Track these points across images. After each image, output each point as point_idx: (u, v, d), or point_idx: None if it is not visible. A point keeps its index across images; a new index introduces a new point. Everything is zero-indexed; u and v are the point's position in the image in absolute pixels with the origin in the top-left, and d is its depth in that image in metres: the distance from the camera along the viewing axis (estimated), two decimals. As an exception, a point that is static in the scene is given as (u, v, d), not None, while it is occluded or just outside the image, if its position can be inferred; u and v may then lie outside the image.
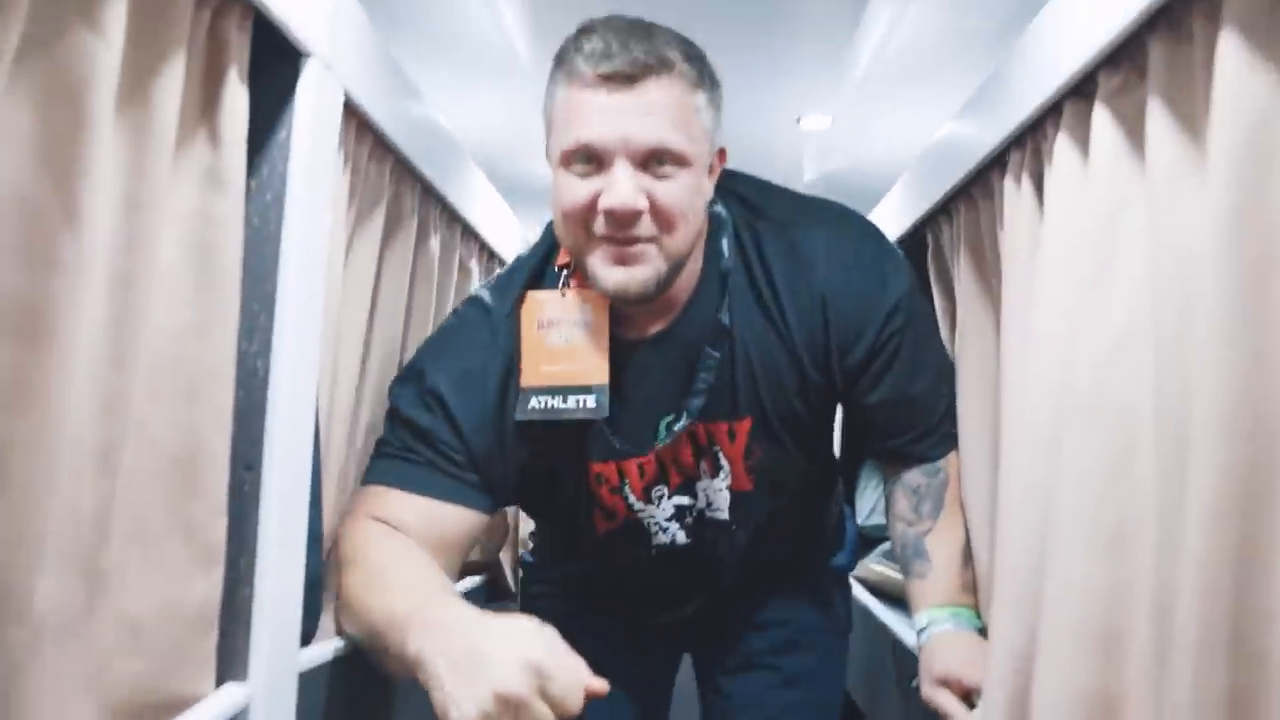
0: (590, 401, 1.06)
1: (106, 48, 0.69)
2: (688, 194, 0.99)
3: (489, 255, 1.72)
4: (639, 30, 0.97)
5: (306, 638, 1.05)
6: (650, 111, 0.95)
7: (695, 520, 1.21)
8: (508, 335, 1.10)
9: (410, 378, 1.12)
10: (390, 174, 1.22)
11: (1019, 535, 0.91)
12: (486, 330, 1.11)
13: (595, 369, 1.07)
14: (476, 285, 1.61)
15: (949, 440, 1.23)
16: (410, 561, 1.01)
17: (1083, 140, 0.95)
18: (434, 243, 1.40)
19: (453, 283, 1.52)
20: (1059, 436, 0.86)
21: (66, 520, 0.71)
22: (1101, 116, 0.89)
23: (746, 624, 1.40)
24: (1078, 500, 0.82)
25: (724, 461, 1.18)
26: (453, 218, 1.49)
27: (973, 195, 1.30)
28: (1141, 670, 0.77)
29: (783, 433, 1.18)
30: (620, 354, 1.10)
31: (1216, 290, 0.68)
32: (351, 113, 1.09)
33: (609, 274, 1.01)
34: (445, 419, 1.08)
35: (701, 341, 1.11)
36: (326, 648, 1.07)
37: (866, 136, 2.12)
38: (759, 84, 1.80)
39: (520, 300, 1.11)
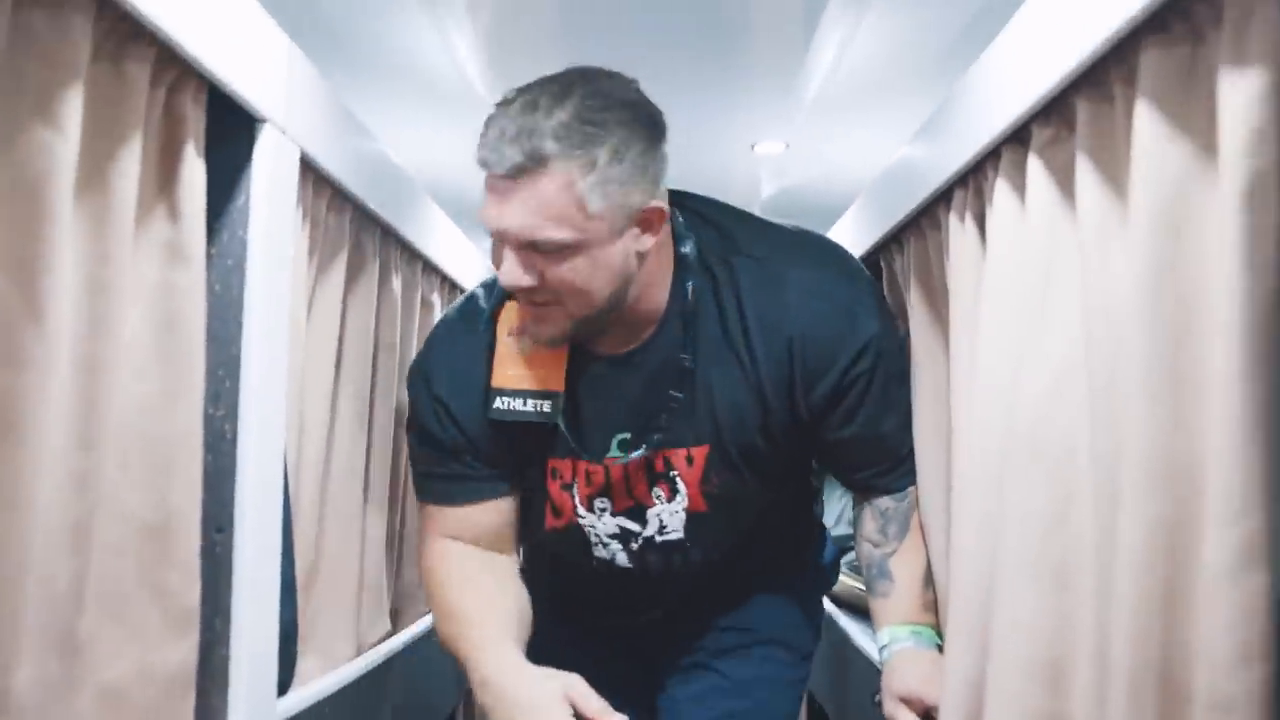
0: (545, 406, 1.18)
1: (64, 141, 0.70)
2: (576, 273, 1.05)
3: (450, 286, 1.74)
4: (533, 117, 1.01)
5: (283, 687, 1.07)
6: (525, 210, 1.01)
7: (642, 546, 1.26)
8: (490, 337, 1.19)
9: (419, 377, 1.22)
10: (350, 223, 1.24)
11: (970, 569, 0.96)
12: (475, 332, 1.20)
13: (552, 378, 1.17)
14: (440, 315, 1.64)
15: (915, 472, 1.26)
16: (471, 601, 1.17)
17: (1020, 186, 0.99)
18: (396, 283, 1.42)
19: (416, 319, 1.54)
20: (1004, 476, 0.90)
21: (42, 598, 0.72)
22: (1035, 166, 0.93)
23: (710, 627, 1.43)
24: (1023, 539, 0.86)
25: (681, 485, 1.23)
26: (413, 256, 1.51)
27: (921, 227, 1.33)
28: (1084, 699, 0.81)
29: (741, 464, 1.22)
30: (583, 364, 1.19)
31: (1140, 349, 0.72)
32: (309, 168, 1.11)
33: (524, 323, 1.13)
34: (453, 424, 1.19)
35: (661, 376, 1.17)
36: (304, 694, 1.09)
37: (820, 160, 2.17)
38: (713, 114, 1.84)
39: (500, 307, 1.20)
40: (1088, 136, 0.85)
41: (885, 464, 1.24)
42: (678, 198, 1.24)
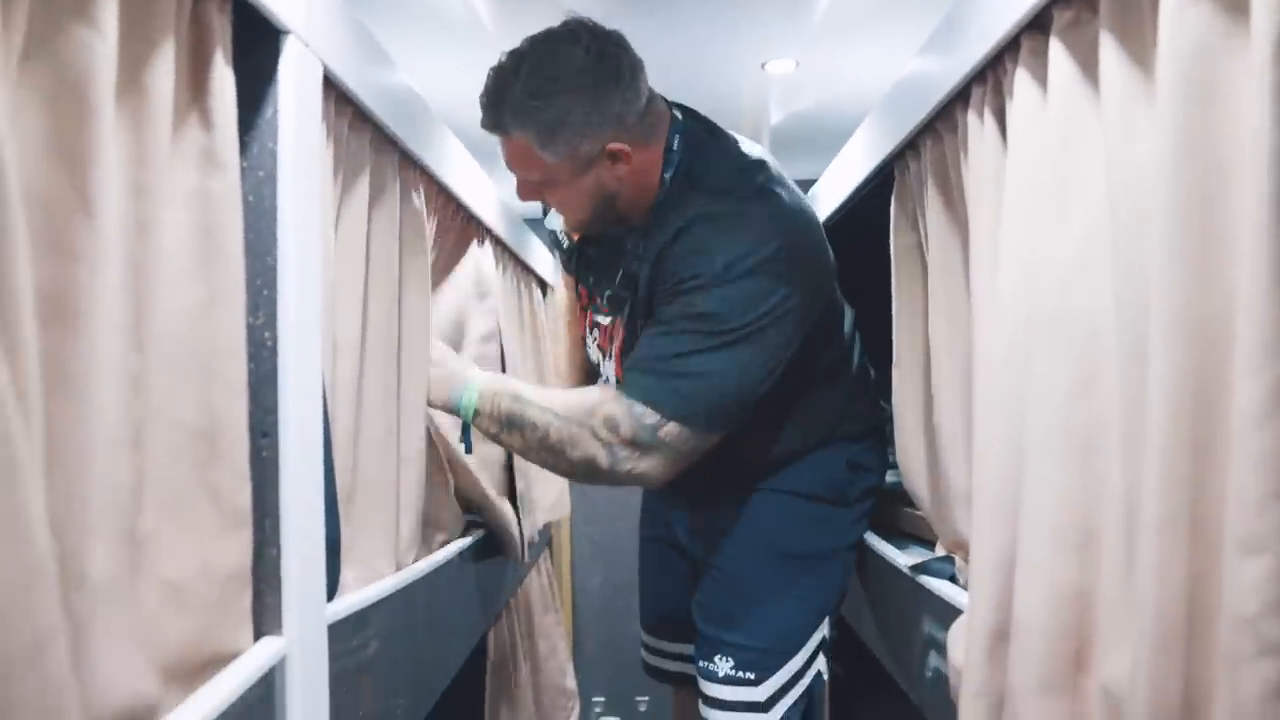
0: (566, 244, 1.62)
1: (102, 41, 0.71)
2: (557, 198, 1.41)
3: (466, 217, 1.74)
4: (496, 92, 1.31)
5: (330, 594, 1.10)
6: (508, 156, 1.37)
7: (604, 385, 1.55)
8: None
9: None
10: (370, 144, 1.25)
11: (996, 448, 0.98)
12: None
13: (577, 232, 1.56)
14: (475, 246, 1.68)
15: (639, 391, 1.34)
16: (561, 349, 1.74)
17: (1040, 73, 0.99)
18: (418, 204, 1.42)
19: (435, 242, 1.54)
20: (1029, 352, 0.92)
21: (107, 493, 0.75)
22: (1057, 50, 0.94)
23: (694, 525, 1.66)
24: (1049, 411, 0.88)
25: (612, 354, 1.52)
26: (430, 181, 1.51)
27: (938, 130, 1.34)
28: (1112, 565, 0.84)
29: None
30: (612, 231, 1.47)
31: (1166, 209, 0.74)
32: (331, 86, 1.12)
33: None
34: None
35: (628, 266, 1.44)
36: (350, 601, 1.13)
37: (832, 78, 2.14)
38: (722, 32, 1.81)
39: None
40: (1111, 14, 0.85)
41: (632, 363, 1.36)
42: (692, 119, 1.44)
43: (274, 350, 0.96)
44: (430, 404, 1.43)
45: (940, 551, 1.42)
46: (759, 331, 1.32)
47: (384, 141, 1.30)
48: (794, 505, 1.55)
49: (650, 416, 1.32)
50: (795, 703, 1.53)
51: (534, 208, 1.74)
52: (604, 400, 1.35)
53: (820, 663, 1.57)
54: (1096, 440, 0.85)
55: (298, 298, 0.98)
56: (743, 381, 1.34)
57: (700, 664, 1.58)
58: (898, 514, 1.73)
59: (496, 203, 2.04)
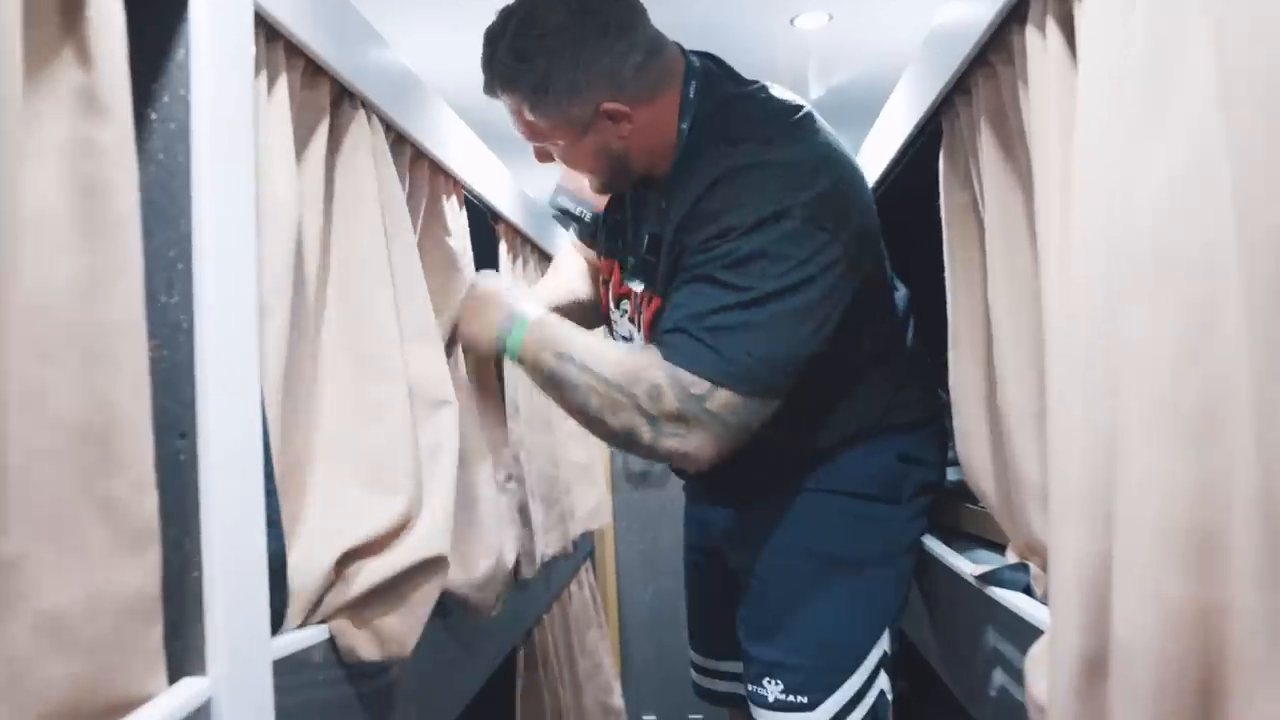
0: (587, 216, 1.49)
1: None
2: (567, 154, 1.32)
3: (453, 182, 1.54)
4: (486, 55, 1.26)
5: (277, 624, 0.94)
6: (513, 120, 1.31)
7: None
8: None
9: None
10: (330, 101, 1.10)
11: (1078, 431, 0.78)
12: None
13: (598, 198, 1.46)
14: (456, 217, 1.51)
15: (680, 355, 1.20)
16: (559, 283, 1.62)
17: (1118, -40, 0.79)
18: (391, 172, 1.25)
19: (420, 214, 1.37)
20: (1120, 306, 0.72)
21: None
22: (1140, -81, 0.74)
23: (732, 530, 1.50)
24: (1149, 379, 0.68)
25: (641, 324, 1.38)
26: (410, 145, 1.35)
27: (991, 64, 1.15)
28: (1247, 574, 0.63)
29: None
30: (639, 190, 1.40)
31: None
32: (277, 34, 0.97)
33: None
34: None
35: (646, 231, 1.34)
36: (305, 635, 0.96)
37: (869, 31, 1.93)
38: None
39: None
40: None
41: (667, 324, 1.23)
42: (711, 62, 1.34)
43: (190, 334, 0.81)
44: (469, 343, 1.37)
45: (1012, 558, 1.21)
46: (800, 284, 1.18)
47: (348, 98, 1.14)
48: (841, 505, 1.38)
49: (697, 385, 1.18)
50: None
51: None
52: (649, 365, 1.21)
53: (883, 681, 1.39)
54: (1217, 410, 0.65)
55: (220, 272, 0.83)
56: (789, 337, 1.19)
57: (749, 687, 1.42)
58: (960, 512, 1.52)
59: (510, 187, 1.89)
